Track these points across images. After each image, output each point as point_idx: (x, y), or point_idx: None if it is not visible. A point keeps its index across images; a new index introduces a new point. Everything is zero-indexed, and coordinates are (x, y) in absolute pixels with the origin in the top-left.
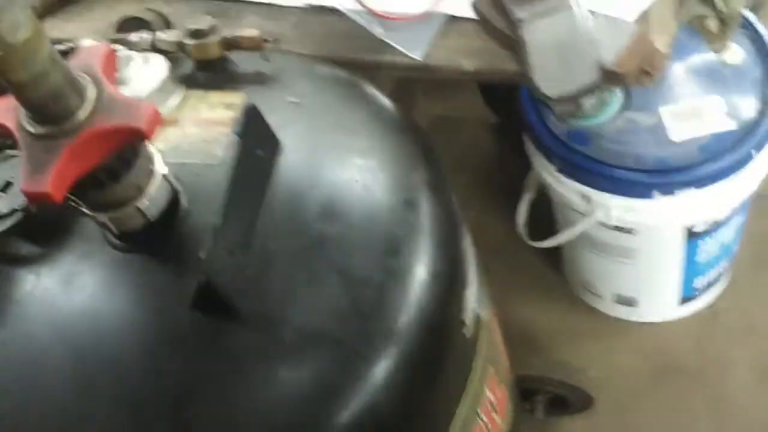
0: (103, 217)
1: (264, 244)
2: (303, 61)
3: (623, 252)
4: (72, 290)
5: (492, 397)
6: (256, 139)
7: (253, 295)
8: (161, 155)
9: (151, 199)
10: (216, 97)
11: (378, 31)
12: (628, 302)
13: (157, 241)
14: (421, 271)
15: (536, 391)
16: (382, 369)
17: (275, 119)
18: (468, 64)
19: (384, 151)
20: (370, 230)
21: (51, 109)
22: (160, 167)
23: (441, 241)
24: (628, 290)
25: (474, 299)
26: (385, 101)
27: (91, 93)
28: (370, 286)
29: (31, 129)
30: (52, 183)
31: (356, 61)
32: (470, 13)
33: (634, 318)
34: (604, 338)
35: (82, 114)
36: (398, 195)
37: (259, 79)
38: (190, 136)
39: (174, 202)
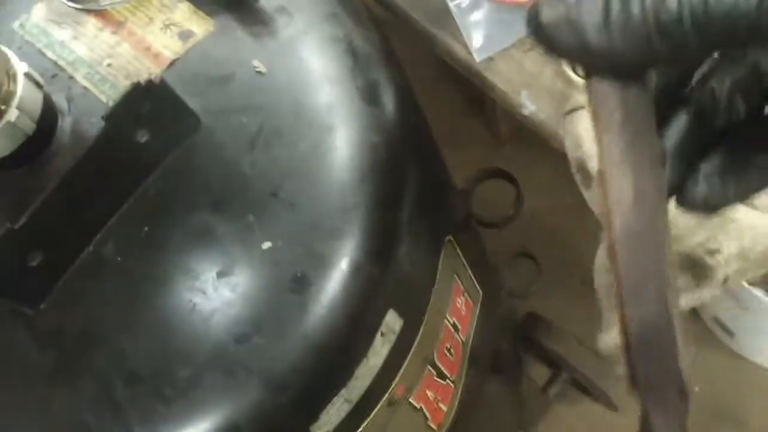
0: None
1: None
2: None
3: None
4: None
5: None
6: (140, 123)
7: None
8: (79, 63)
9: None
10: (181, 12)
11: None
12: None
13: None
14: None
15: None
16: None
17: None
18: (530, 108)
19: None
20: None
21: None
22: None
23: None
24: None
25: None
26: None
27: None
28: None
29: None
30: None
31: (411, 22)
32: None
33: None
34: None
35: None
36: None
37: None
38: (117, 57)
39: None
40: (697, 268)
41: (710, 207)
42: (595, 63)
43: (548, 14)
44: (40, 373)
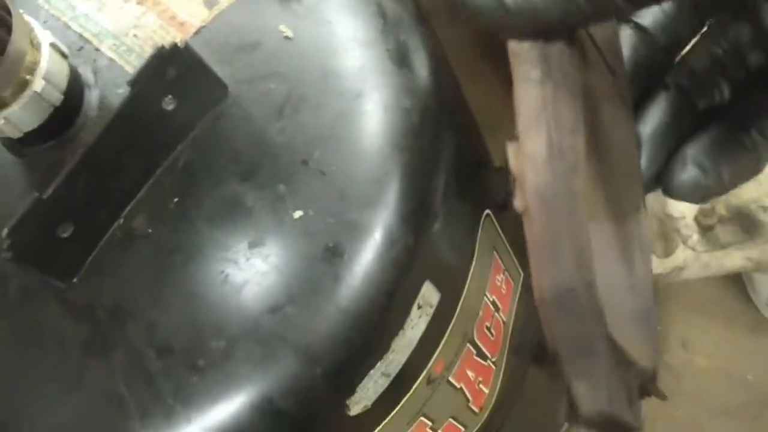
0: None
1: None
2: None
3: None
4: None
5: None
6: (166, 89)
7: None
8: (105, 35)
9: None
10: None
11: None
12: None
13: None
14: None
15: None
16: None
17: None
18: None
19: None
20: None
21: None
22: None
23: None
24: None
25: None
26: None
27: None
28: None
29: None
30: None
31: None
32: None
33: None
34: None
35: None
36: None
37: None
38: (142, 27)
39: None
40: (748, 223)
41: (702, 193)
42: (516, 24)
43: None
44: (73, 346)
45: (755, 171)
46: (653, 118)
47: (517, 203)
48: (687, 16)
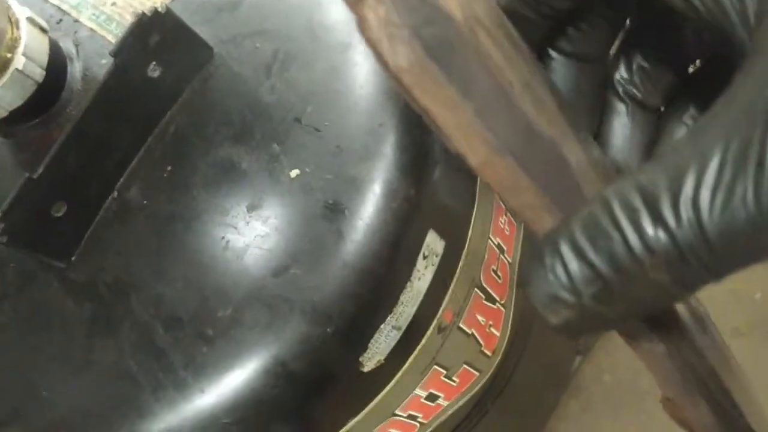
0: None
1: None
2: None
3: None
4: None
5: None
6: (150, 56)
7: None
8: (83, 5)
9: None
10: None
11: None
12: None
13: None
14: None
15: None
16: None
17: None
18: None
19: None
20: None
21: None
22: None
23: None
24: None
25: None
26: None
27: None
28: None
29: None
30: None
31: None
32: None
33: None
34: None
35: None
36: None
37: None
38: None
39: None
40: None
41: None
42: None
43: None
44: (79, 326)
45: None
46: (620, 131)
47: None
48: None
